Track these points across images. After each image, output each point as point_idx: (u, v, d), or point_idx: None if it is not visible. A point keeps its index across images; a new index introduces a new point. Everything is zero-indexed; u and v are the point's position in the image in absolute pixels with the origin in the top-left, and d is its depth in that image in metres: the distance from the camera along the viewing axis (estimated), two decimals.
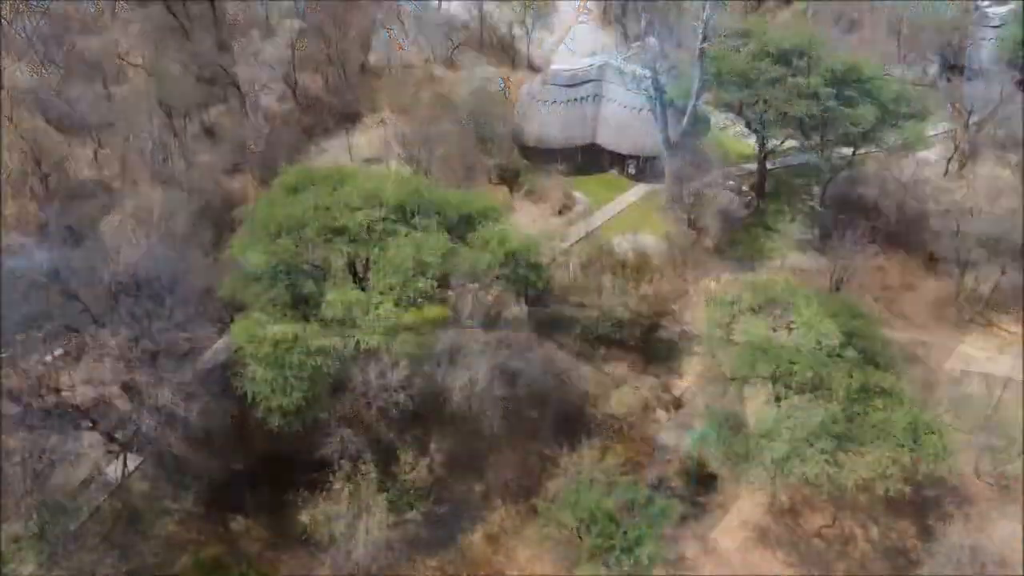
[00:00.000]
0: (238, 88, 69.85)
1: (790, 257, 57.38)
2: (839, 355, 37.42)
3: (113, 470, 39.22)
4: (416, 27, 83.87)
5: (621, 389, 45.85)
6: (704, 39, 55.00)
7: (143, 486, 39.91)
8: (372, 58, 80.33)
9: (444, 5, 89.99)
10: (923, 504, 40.38)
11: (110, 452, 39.63)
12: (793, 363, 36.90)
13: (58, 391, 36.01)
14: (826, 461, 34.32)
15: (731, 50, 57.12)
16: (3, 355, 33.69)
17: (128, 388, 36.20)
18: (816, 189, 63.04)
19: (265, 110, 72.70)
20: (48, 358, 36.78)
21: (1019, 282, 51.49)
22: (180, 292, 38.45)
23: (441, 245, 38.52)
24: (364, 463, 37.31)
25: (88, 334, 36.20)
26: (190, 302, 38.52)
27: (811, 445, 34.51)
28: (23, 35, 73.85)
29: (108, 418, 38.30)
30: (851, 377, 36.53)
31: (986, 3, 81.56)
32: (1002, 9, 78.51)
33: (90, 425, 37.54)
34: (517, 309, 48.71)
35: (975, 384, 46.50)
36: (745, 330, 38.96)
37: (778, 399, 38.12)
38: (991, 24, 77.00)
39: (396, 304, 37.64)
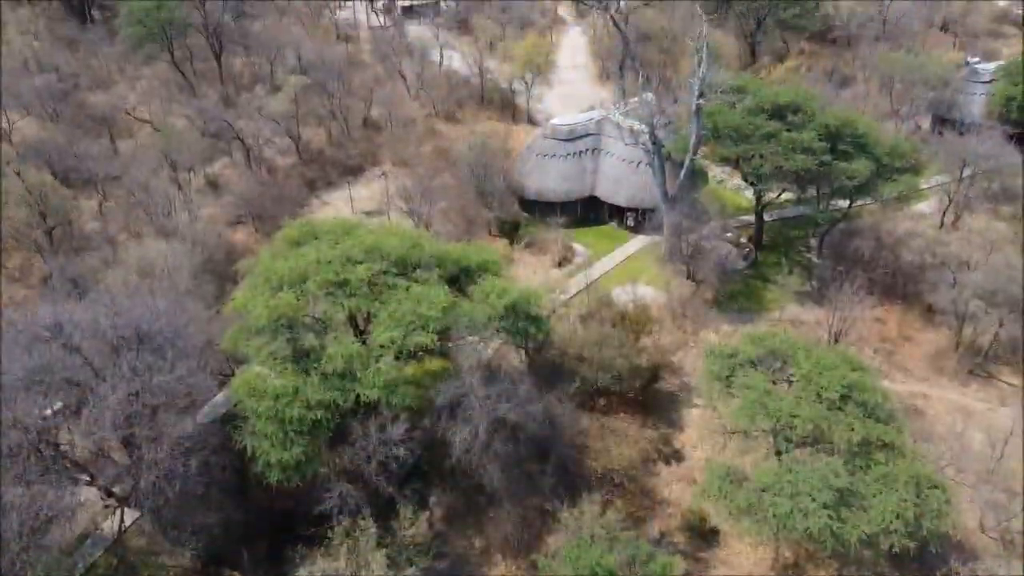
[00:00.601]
0: (242, 142, 71.11)
1: (789, 309, 57.74)
2: (839, 408, 37.37)
3: (110, 525, 38.90)
4: (418, 82, 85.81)
5: (621, 442, 45.62)
6: (700, 95, 56.11)
7: (140, 541, 39.54)
8: (374, 112, 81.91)
9: (446, 61, 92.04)
10: (928, 560, 39.83)
11: (107, 507, 39.39)
12: (793, 416, 36.83)
13: (56, 446, 35.87)
14: (829, 516, 34.02)
15: (727, 106, 58.27)
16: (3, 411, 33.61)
17: (127, 442, 36.07)
18: (813, 241, 63.75)
19: (269, 163, 73.98)
20: (48, 411, 36.67)
21: (1018, 334, 51.63)
22: (182, 345, 38.61)
23: (441, 299, 38.72)
24: (363, 518, 36.95)
25: (88, 387, 36.16)
26: (191, 355, 38.65)
27: (813, 500, 34.27)
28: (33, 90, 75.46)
29: (106, 473, 38.16)
30: (852, 430, 36.38)
31: (975, 59, 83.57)
32: (991, 65, 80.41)
33: (88, 480, 37.36)
34: (517, 361, 48.87)
35: (977, 437, 46.27)
36: (744, 383, 38.92)
37: (779, 453, 37.95)
38: (981, 80, 78.71)
39: (397, 357, 37.81)
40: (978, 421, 48.61)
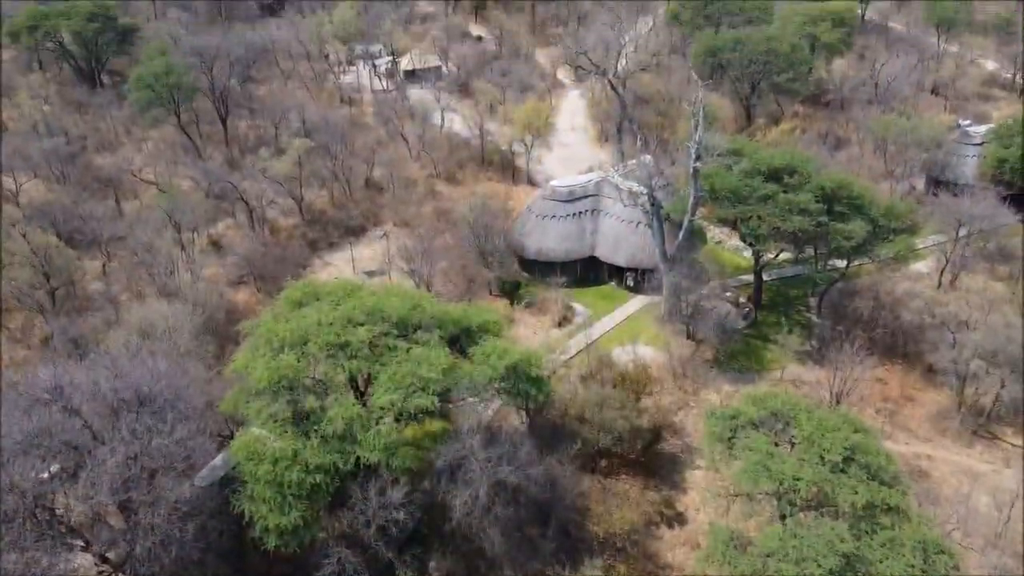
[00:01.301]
0: (246, 203, 72.01)
1: (789, 369, 57.67)
2: (843, 471, 37.05)
3: None
4: (420, 144, 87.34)
5: (623, 505, 45.10)
6: (697, 158, 57.07)
7: None
8: (376, 173, 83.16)
9: (447, 123, 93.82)
10: None
11: (101, 572, 38.65)
12: (797, 479, 36.50)
13: (52, 510, 35.42)
14: None
15: (724, 168, 59.20)
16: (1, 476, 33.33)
17: (124, 507, 35.65)
18: (812, 300, 64.04)
19: (271, 224, 74.81)
20: (44, 475, 36.34)
21: (1020, 394, 51.44)
22: (182, 407, 38.47)
23: (442, 360, 38.72)
24: None
25: (87, 451, 35.90)
26: (191, 417, 38.47)
27: (819, 565, 33.68)
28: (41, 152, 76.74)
29: (101, 538, 37.58)
30: (856, 494, 36.03)
31: (967, 122, 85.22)
32: (982, 128, 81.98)
33: (82, 545, 36.78)
34: (518, 423, 48.66)
35: (983, 500, 45.76)
36: (746, 445, 38.66)
37: (783, 516, 37.48)
38: (973, 142, 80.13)
39: (397, 419, 37.69)
40: (983, 483, 48.12)
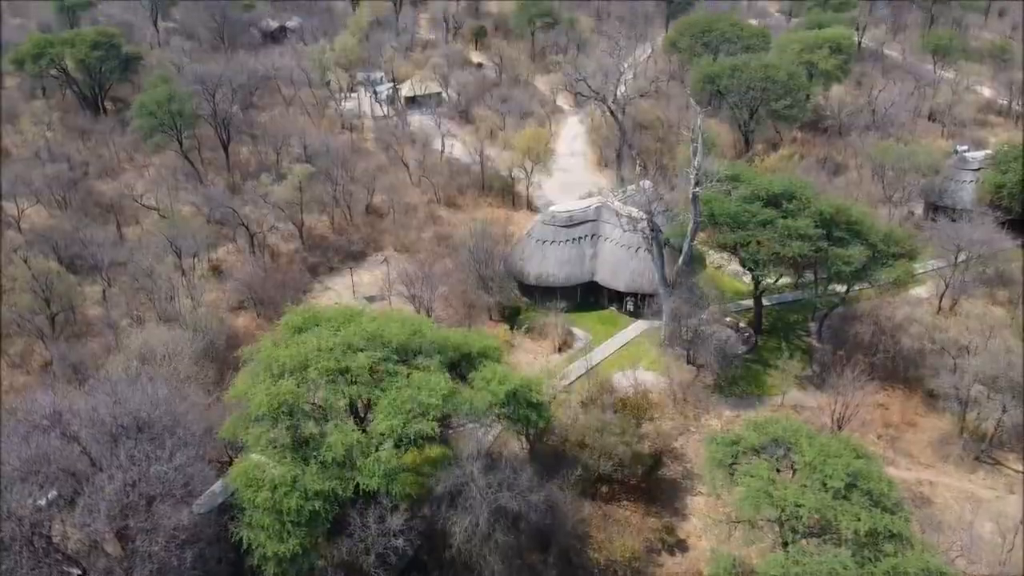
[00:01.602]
0: (247, 228, 72.24)
1: (791, 394, 57.53)
2: (845, 497, 36.85)
3: None
4: (420, 170, 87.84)
5: (624, 531, 44.77)
6: (697, 183, 57.34)
7: None
8: (377, 199, 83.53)
9: (447, 149, 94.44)
10: None
11: None
12: (799, 506, 36.31)
13: (49, 538, 35.12)
14: None
15: (723, 193, 59.46)
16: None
17: (122, 534, 35.37)
18: (812, 325, 64.04)
19: (272, 249, 74.98)
20: (42, 502, 36.10)
21: (1020, 420, 51.22)
22: (181, 433, 38.28)
23: (442, 386, 38.64)
24: None
25: (85, 477, 35.68)
26: (191, 444, 38.27)
27: None
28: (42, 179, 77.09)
29: (97, 566, 37.19)
30: (858, 520, 35.81)
31: (964, 148, 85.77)
32: (979, 154, 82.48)
33: (79, 573, 36.42)
34: (518, 448, 48.43)
35: (987, 526, 45.41)
36: (748, 471, 38.50)
37: (786, 544, 37.22)
38: (970, 168, 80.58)
39: (397, 445, 37.53)
40: (986, 509, 47.81)
